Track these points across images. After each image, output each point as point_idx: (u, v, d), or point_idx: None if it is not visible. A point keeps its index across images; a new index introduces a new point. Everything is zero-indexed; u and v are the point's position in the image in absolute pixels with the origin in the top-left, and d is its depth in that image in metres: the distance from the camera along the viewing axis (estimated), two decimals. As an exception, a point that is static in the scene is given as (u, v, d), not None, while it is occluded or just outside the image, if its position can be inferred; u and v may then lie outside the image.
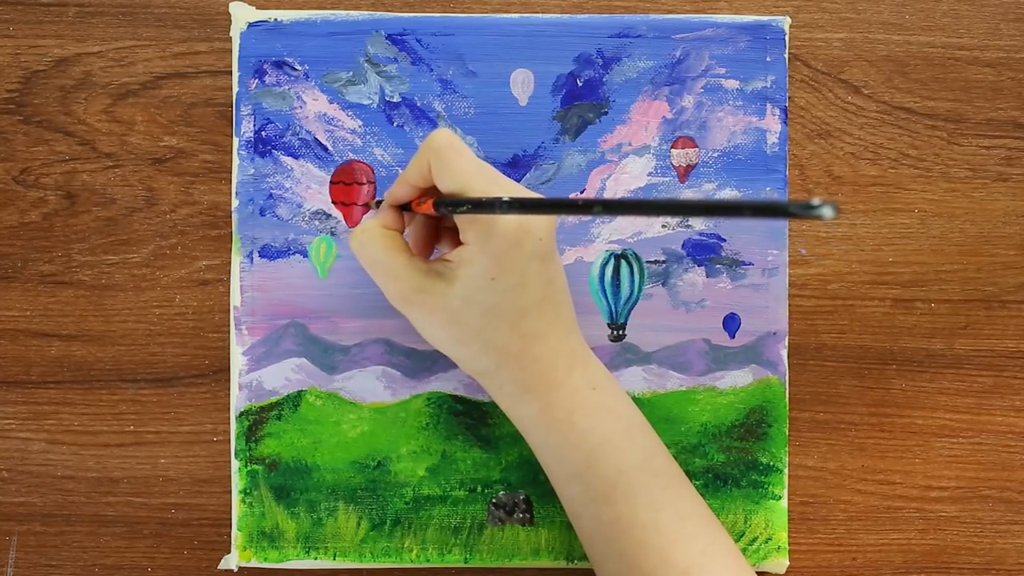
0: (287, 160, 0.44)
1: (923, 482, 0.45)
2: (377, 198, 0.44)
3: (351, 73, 0.44)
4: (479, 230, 0.35)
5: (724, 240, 0.44)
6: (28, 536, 0.44)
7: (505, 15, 0.44)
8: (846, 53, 0.45)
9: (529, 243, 0.36)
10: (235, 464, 0.44)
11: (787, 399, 0.44)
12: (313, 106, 0.44)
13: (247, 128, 0.44)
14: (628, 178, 0.44)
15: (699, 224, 0.44)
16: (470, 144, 0.44)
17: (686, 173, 0.44)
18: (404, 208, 0.39)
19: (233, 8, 0.43)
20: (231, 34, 0.44)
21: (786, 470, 0.44)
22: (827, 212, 0.23)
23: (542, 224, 0.36)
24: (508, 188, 0.36)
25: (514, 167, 0.44)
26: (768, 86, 0.44)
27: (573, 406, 0.38)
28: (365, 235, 0.38)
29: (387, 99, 0.44)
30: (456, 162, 0.35)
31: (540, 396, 0.38)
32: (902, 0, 0.45)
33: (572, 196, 0.44)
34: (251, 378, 0.44)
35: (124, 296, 0.44)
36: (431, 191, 0.37)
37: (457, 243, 0.39)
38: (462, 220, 0.36)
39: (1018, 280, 0.45)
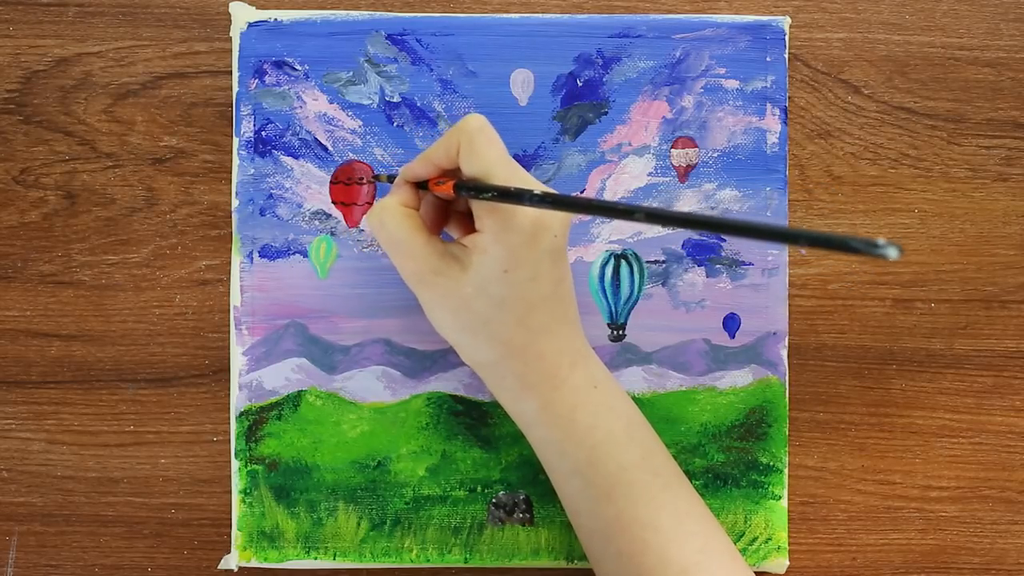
0: (287, 160, 0.44)
1: (923, 482, 0.45)
2: (388, 172, 0.43)
3: (351, 73, 0.44)
4: (496, 220, 0.35)
5: (724, 240, 0.44)
6: (28, 536, 0.44)
7: (505, 15, 0.44)
8: (846, 53, 0.45)
9: (545, 239, 0.36)
10: (235, 464, 0.44)
11: (787, 399, 0.44)
12: (313, 106, 0.44)
13: (247, 128, 0.44)
14: (628, 178, 0.44)
15: (699, 224, 0.44)
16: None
17: (686, 173, 0.44)
18: (420, 186, 0.39)
19: (233, 8, 0.43)
20: (231, 34, 0.44)
21: (786, 470, 0.44)
22: (892, 253, 0.23)
23: (558, 221, 0.36)
24: (531, 183, 0.36)
25: (514, 167, 0.44)
26: (768, 86, 0.44)
27: (575, 403, 0.38)
28: (385, 213, 0.37)
29: (387, 99, 0.44)
30: (486, 148, 0.35)
31: (542, 393, 0.38)
32: (902, 0, 0.45)
33: (590, 197, 0.44)
34: (251, 378, 0.44)
35: (124, 296, 0.44)
36: (451, 173, 0.37)
37: (466, 228, 0.39)
38: (480, 208, 0.36)
39: (1018, 280, 0.45)
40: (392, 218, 0.37)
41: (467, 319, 0.37)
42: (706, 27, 0.44)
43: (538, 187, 0.36)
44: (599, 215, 0.32)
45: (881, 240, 0.23)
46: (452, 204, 0.40)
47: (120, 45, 0.44)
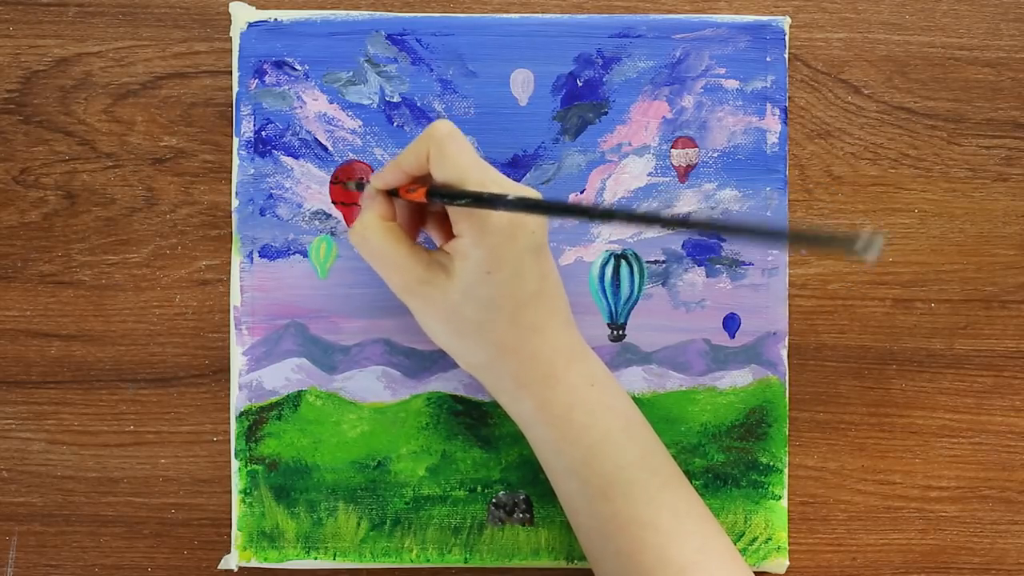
0: (287, 160, 0.44)
1: (923, 482, 0.45)
2: (357, 180, 0.43)
3: (351, 73, 0.44)
4: (473, 223, 0.35)
5: (724, 240, 0.44)
6: (28, 536, 0.44)
7: (505, 15, 0.44)
8: (846, 53, 0.45)
9: (523, 236, 0.36)
10: (235, 464, 0.44)
11: (787, 399, 0.44)
12: (313, 106, 0.44)
13: (247, 128, 0.44)
14: (628, 178, 0.44)
15: (699, 224, 0.44)
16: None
17: (686, 173, 0.44)
18: (391, 193, 0.39)
19: (233, 8, 0.43)
20: (231, 34, 0.44)
21: (786, 470, 0.44)
22: (871, 254, 0.23)
23: (535, 218, 0.36)
24: (504, 185, 0.36)
25: (514, 167, 0.44)
26: (768, 86, 0.44)
27: (571, 402, 0.38)
28: (366, 230, 0.38)
29: (387, 99, 0.44)
30: (456, 154, 0.35)
31: (538, 392, 0.38)
32: (902, 0, 0.45)
33: (574, 198, 0.44)
34: (251, 378, 0.44)
35: (124, 296, 0.44)
36: (423, 179, 0.38)
37: (444, 228, 0.39)
38: (456, 212, 0.36)
39: (1018, 280, 0.45)
40: (374, 234, 0.37)
41: (458, 324, 0.37)
42: (706, 27, 0.44)
43: (512, 190, 0.36)
44: (566, 216, 0.32)
45: (861, 238, 0.23)
46: (427, 205, 0.40)
47: (120, 45, 0.44)
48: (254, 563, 0.43)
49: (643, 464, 0.38)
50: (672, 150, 0.44)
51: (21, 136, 0.44)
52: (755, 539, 0.44)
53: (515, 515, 0.44)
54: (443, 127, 0.36)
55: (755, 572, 0.44)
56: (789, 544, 0.44)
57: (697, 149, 0.44)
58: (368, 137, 0.44)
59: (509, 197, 0.32)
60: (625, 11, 0.44)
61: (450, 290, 0.36)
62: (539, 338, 0.37)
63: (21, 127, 0.44)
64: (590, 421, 0.38)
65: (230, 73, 0.44)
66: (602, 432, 0.38)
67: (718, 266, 0.44)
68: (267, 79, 0.44)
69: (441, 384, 0.44)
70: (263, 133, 0.44)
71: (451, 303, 0.37)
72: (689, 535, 0.37)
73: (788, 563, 0.44)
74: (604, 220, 0.30)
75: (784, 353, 0.44)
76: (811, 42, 0.45)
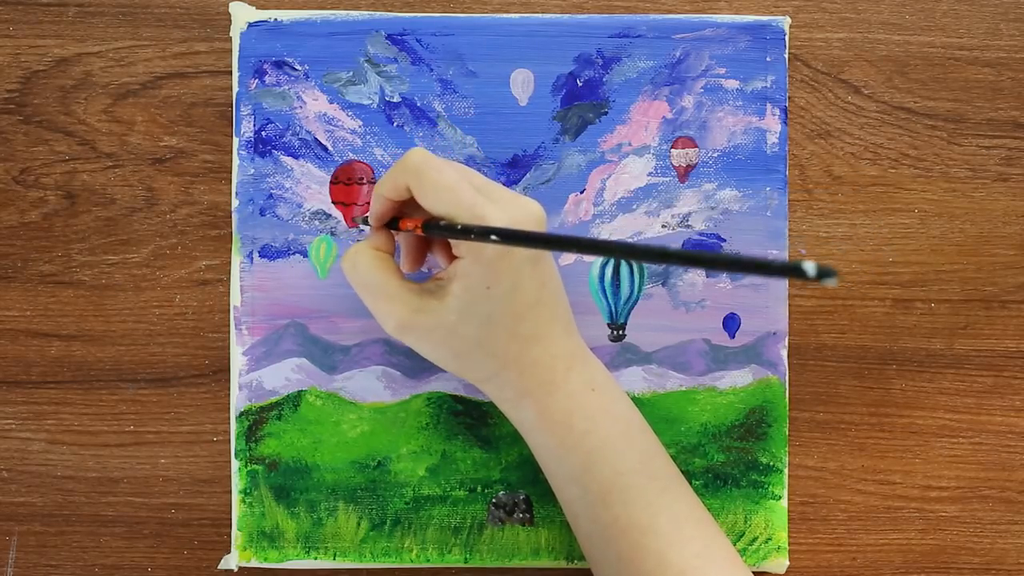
0: (287, 160, 0.44)
1: (923, 482, 0.45)
2: (363, 216, 0.43)
3: (351, 73, 0.44)
4: (471, 242, 0.35)
5: (724, 240, 0.44)
6: (28, 536, 0.44)
7: (505, 15, 0.44)
8: (846, 53, 0.45)
9: (520, 248, 0.36)
10: (235, 464, 0.44)
11: (787, 399, 0.44)
12: (313, 106, 0.44)
13: (247, 128, 0.44)
14: (628, 178, 0.44)
15: (699, 224, 0.44)
16: (470, 144, 0.44)
17: (686, 173, 0.44)
18: (391, 226, 0.39)
19: (233, 8, 0.43)
20: (231, 34, 0.44)
21: (786, 470, 0.44)
22: (831, 282, 0.23)
23: (531, 227, 0.36)
24: (493, 193, 0.36)
25: (514, 167, 0.44)
26: (768, 86, 0.44)
27: (571, 408, 0.38)
28: (357, 256, 0.37)
29: (387, 99, 0.44)
30: (437, 179, 0.35)
31: (538, 399, 0.38)
32: (902, 0, 0.45)
33: (574, 198, 0.44)
34: (251, 378, 0.44)
35: (124, 296, 0.44)
36: (410, 203, 0.37)
37: (447, 251, 0.39)
38: None
39: (1018, 280, 0.45)
40: (365, 261, 0.37)
41: (458, 345, 0.37)
42: (706, 27, 0.44)
43: (494, 196, 0.36)
44: (547, 248, 0.32)
45: (809, 266, 0.23)
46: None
47: (120, 45, 0.44)
48: (254, 563, 0.43)
49: (642, 469, 0.38)
50: (672, 150, 0.44)
51: (21, 136, 0.44)
52: (755, 539, 0.44)
53: (515, 515, 0.44)
54: (415, 157, 0.35)
55: (755, 572, 0.44)
56: (789, 544, 0.44)
57: (697, 149, 0.44)
58: (368, 137, 0.44)
59: (494, 236, 0.32)
60: (625, 11, 0.44)
61: (445, 313, 0.36)
62: (539, 347, 0.37)
63: (21, 127, 0.44)
64: (590, 427, 0.38)
65: (230, 73, 0.44)
66: (601, 438, 0.38)
67: (718, 266, 0.44)
68: (267, 79, 0.44)
69: (441, 384, 0.44)
70: (263, 133, 0.44)
71: (448, 326, 0.36)
72: (689, 539, 0.37)
73: (788, 563, 0.44)
74: (589, 253, 0.30)
75: (784, 353, 0.44)
76: (811, 42, 0.45)
